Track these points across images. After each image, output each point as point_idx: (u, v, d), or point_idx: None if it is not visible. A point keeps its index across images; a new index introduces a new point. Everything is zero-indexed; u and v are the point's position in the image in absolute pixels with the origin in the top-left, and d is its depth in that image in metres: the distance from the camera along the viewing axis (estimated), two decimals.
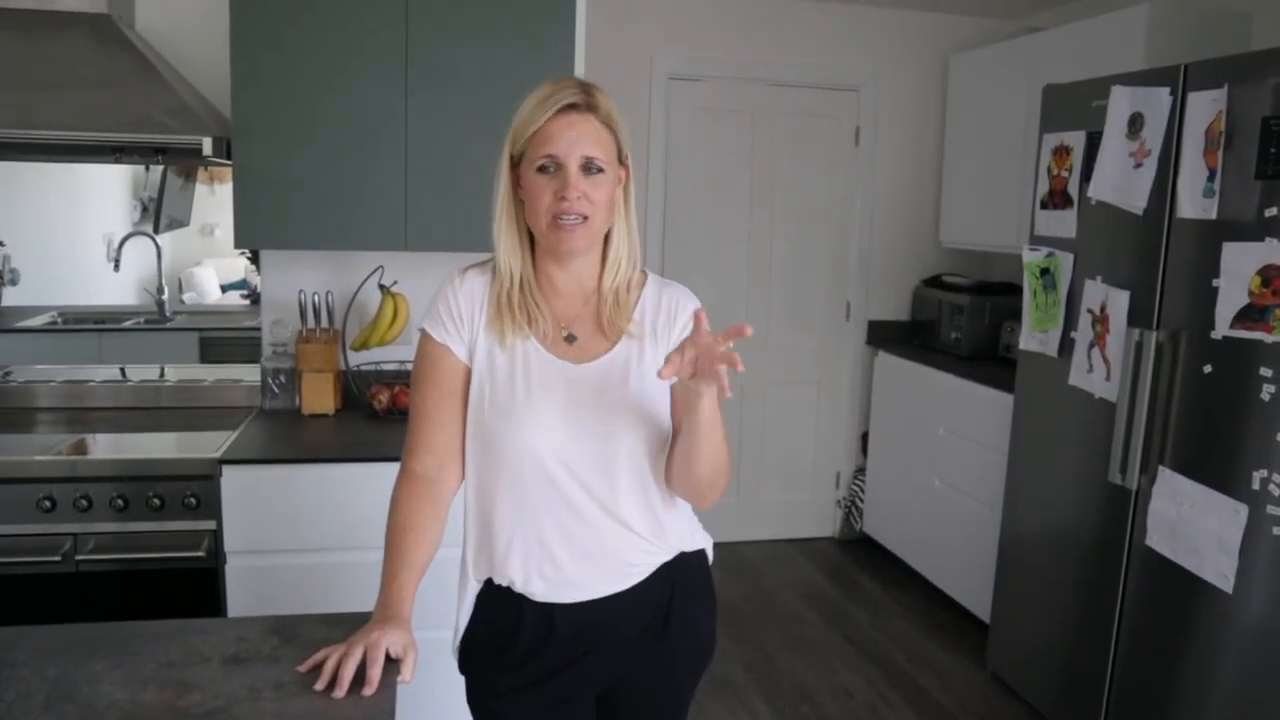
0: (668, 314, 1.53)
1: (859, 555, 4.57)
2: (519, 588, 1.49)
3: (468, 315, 1.50)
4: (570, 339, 1.50)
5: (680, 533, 1.58)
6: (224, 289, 3.09)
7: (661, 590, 1.54)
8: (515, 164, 1.46)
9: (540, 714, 1.52)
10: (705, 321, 1.32)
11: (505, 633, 1.50)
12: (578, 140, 1.40)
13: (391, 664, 1.30)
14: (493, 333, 1.48)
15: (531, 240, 1.50)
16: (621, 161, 1.48)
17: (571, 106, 1.41)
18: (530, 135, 1.41)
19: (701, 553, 1.63)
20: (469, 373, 1.50)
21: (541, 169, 1.41)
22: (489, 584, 1.53)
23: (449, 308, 1.51)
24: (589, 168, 1.41)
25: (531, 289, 1.49)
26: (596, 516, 1.48)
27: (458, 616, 1.57)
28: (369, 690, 1.24)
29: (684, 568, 1.58)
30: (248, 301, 3.03)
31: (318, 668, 1.30)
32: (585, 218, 1.42)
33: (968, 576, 3.73)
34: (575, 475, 1.46)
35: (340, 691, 1.24)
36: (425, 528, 1.46)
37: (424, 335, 1.53)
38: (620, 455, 1.47)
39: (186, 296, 3.00)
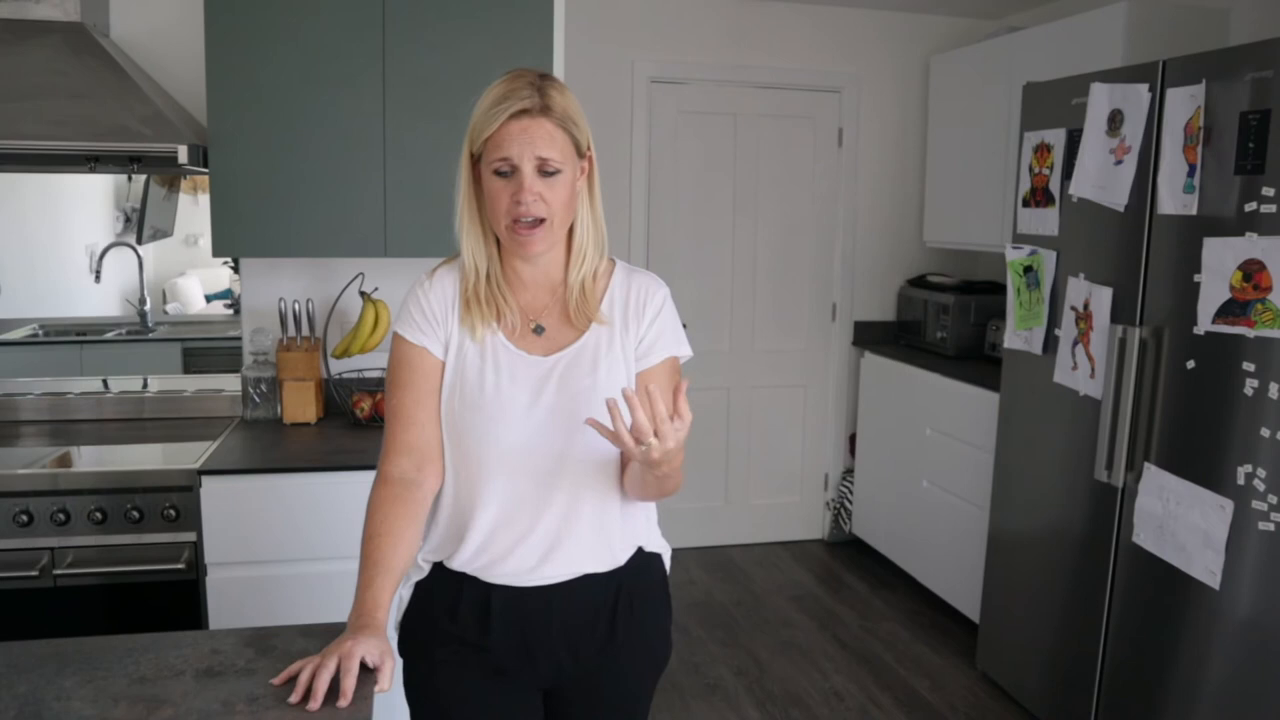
0: (637, 303, 1.53)
1: (848, 557, 4.56)
2: (461, 567, 1.50)
3: (441, 314, 1.51)
4: (538, 330, 1.51)
5: (635, 534, 1.57)
6: (209, 298, 3.07)
7: (607, 590, 1.53)
8: (476, 161, 1.46)
9: (479, 703, 1.50)
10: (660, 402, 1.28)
11: (444, 609, 1.50)
12: (531, 144, 1.39)
13: (368, 674, 1.28)
14: (465, 329, 1.49)
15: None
16: (583, 154, 1.47)
17: (524, 112, 1.39)
18: (484, 140, 1.41)
19: (657, 558, 1.62)
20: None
21: (498, 172, 1.41)
22: (437, 567, 1.53)
23: (422, 309, 1.51)
24: (544, 170, 1.40)
25: (498, 282, 1.50)
26: (552, 510, 1.48)
27: (400, 595, 1.57)
28: (343, 702, 1.22)
29: (636, 571, 1.57)
30: (231, 311, 3.01)
31: (292, 681, 1.28)
32: (542, 220, 1.41)
33: (957, 576, 3.72)
34: (538, 468, 1.46)
35: (315, 704, 1.22)
36: (401, 532, 1.44)
37: (398, 339, 1.53)
38: (585, 449, 1.46)
39: (171, 307, 2.98)
